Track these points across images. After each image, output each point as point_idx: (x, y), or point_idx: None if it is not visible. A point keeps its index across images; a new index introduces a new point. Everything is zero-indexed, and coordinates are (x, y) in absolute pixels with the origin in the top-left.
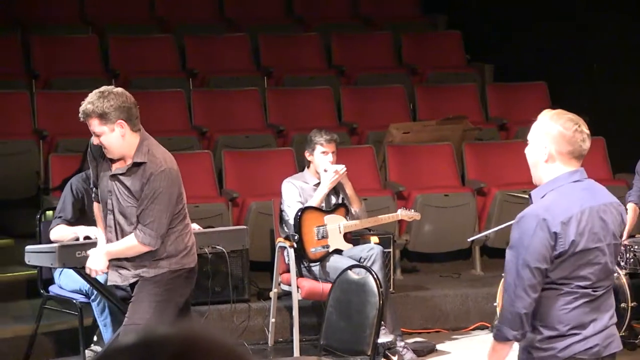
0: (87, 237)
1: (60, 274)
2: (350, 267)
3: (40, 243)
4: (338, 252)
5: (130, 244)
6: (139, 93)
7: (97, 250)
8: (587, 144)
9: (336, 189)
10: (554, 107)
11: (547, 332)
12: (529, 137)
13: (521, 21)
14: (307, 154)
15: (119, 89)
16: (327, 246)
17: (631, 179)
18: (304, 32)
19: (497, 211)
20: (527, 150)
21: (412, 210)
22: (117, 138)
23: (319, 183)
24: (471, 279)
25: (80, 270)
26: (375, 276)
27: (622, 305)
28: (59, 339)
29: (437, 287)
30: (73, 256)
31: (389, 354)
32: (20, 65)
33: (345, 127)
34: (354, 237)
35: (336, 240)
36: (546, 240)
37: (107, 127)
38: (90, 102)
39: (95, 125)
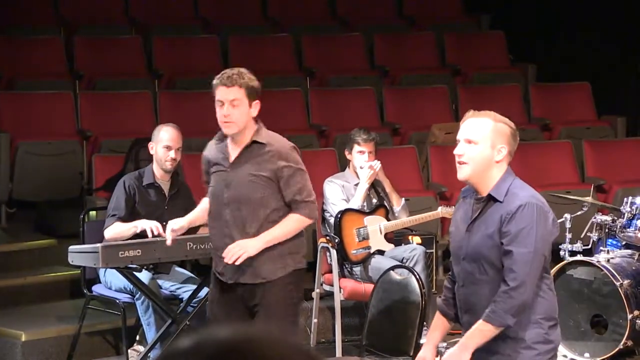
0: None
1: (105, 271)
2: (393, 268)
3: (83, 243)
4: (380, 252)
5: (294, 222)
6: (182, 93)
7: (255, 239)
8: None
9: (375, 188)
10: (597, 107)
11: (547, 323)
12: (473, 136)
13: (565, 21)
14: (346, 153)
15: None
16: (369, 247)
17: None
18: (347, 32)
19: None
20: (471, 149)
21: (453, 208)
22: (248, 114)
23: (358, 182)
24: None
25: (123, 270)
26: (417, 277)
27: None
28: (102, 339)
29: None
30: (116, 256)
31: None
32: (63, 65)
33: (387, 128)
34: (396, 238)
35: (377, 241)
36: (549, 226)
37: (248, 101)
38: (240, 74)
39: (240, 94)
